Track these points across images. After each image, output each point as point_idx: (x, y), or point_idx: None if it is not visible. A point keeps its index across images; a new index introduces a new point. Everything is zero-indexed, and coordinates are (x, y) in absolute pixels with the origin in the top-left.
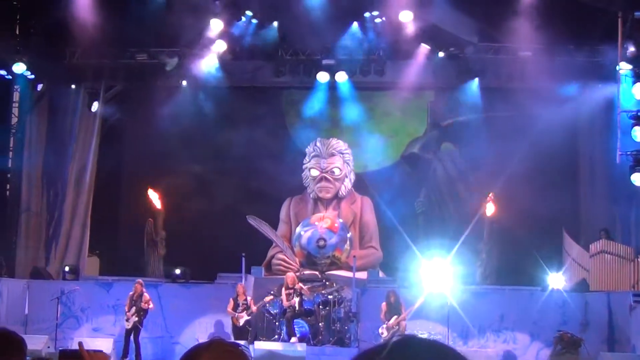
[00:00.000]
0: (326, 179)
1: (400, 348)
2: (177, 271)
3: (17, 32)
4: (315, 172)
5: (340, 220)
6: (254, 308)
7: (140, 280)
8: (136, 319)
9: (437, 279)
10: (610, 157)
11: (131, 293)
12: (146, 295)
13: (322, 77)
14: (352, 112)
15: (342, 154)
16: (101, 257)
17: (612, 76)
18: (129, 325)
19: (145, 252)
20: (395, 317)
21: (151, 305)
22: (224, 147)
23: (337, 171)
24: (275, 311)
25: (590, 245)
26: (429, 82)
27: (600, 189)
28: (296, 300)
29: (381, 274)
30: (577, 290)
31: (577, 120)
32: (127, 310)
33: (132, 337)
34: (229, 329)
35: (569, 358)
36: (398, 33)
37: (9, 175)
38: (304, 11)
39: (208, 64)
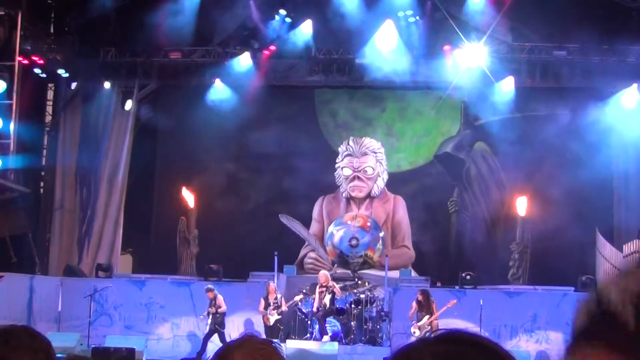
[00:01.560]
0: (359, 178)
1: (452, 344)
2: (213, 266)
3: (52, 31)
4: (347, 171)
5: (373, 220)
6: (284, 307)
7: (208, 285)
8: (209, 321)
9: (469, 278)
10: None
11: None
12: (219, 298)
13: (354, 75)
14: (385, 111)
15: (375, 153)
16: (134, 255)
17: None
18: (207, 328)
19: (178, 250)
20: (427, 316)
21: (222, 308)
22: (257, 145)
23: (369, 170)
24: (307, 310)
25: (623, 246)
26: (463, 81)
27: (634, 189)
28: (328, 297)
29: (413, 273)
30: None
31: (612, 120)
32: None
33: (208, 339)
34: (260, 327)
35: None
36: (431, 32)
37: (42, 173)
38: (337, 10)
39: (241, 63)
